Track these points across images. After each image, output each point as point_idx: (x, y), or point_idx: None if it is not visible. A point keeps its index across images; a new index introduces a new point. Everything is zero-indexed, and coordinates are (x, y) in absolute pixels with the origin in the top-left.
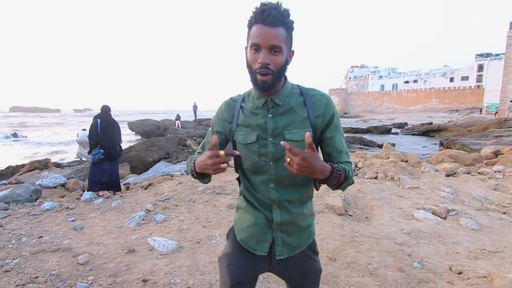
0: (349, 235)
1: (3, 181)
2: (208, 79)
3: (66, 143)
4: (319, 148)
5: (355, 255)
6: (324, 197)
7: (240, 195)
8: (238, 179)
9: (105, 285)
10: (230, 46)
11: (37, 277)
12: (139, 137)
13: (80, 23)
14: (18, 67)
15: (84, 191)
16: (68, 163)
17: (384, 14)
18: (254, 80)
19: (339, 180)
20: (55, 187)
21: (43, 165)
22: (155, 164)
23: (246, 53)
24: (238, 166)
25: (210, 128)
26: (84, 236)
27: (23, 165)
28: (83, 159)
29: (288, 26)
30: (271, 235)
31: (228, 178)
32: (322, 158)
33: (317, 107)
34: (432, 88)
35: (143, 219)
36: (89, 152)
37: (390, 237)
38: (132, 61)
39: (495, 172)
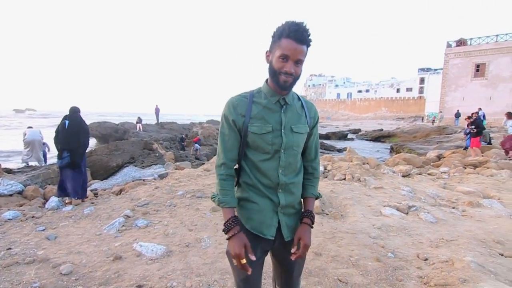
0: (329, 232)
1: None
2: (170, 82)
3: (11, 153)
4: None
5: (337, 249)
6: None
7: (237, 186)
8: (236, 170)
9: None
10: (193, 50)
11: None
12: (95, 140)
13: (23, 14)
14: None
15: (45, 198)
16: (19, 169)
17: (340, 25)
18: (277, 80)
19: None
20: (11, 195)
21: None
22: (118, 169)
23: (271, 57)
24: (244, 159)
25: (223, 125)
26: (60, 245)
27: None
28: (30, 163)
29: (309, 45)
30: (277, 220)
31: (206, 182)
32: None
33: (311, 111)
34: (382, 97)
35: (123, 226)
36: (59, 158)
37: (365, 232)
38: (86, 58)
39: (441, 173)
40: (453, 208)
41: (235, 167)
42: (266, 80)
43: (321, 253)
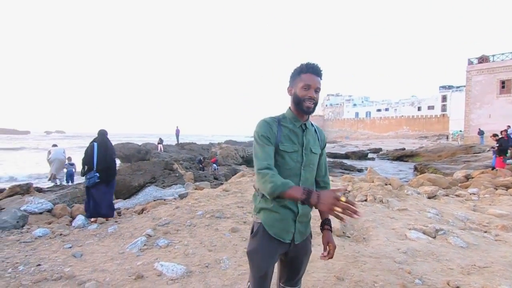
0: (351, 256)
1: None
2: (189, 104)
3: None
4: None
5: (360, 274)
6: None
7: (261, 197)
8: None
9: None
10: (210, 73)
11: None
12: (119, 161)
13: (53, 43)
14: None
15: (72, 217)
16: (48, 188)
17: (357, 44)
18: (301, 107)
19: None
20: (41, 213)
21: (24, 189)
22: (140, 188)
23: (294, 90)
24: None
25: (261, 138)
26: (85, 263)
27: (1, 190)
28: (57, 182)
29: (322, 78)
30: (294, 227)
31: (225, 202)
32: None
33: (321, 135)
34: (402, 116)
35: (145, 245)
36: (83, 174)
37: (389, 256)
38: (111, 83)
39: (470, 194)
40: (485, 232)
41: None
42: (289, 108)
43: (343, 278)
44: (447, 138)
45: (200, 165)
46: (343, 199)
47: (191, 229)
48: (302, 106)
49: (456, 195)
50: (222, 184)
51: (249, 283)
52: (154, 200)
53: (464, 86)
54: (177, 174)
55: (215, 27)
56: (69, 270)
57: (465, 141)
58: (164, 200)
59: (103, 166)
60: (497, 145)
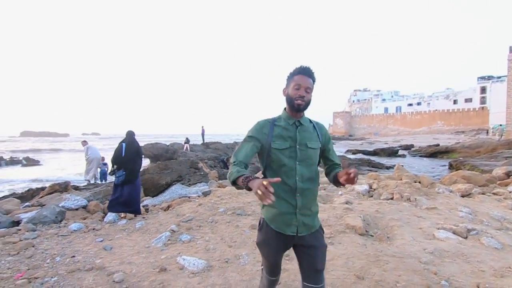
0: (373, 254)
1: (26, 204)
2: (214, 105)
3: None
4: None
5: (382, 273)
6: (344, 217)
7: None
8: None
9: None
10: (236, 74)
11: None
12: (148, 161)
13: (90, 49)
14: (29, 93)
15: (104, 213)
16: (84, 186)
17: (385, 38)
18: (292, 105)
19: None
20: (77, 209)
21: (63, 187)
22: (168, 186)
23: (287, 90)
24: (268, 169)
25: (246, 137)
26: (114, 255)
27: (42, 188)
28: (91, 181)
29: (314, 80)
30: (295, 219)
31: (246, 199)
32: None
33: (322, 130)
34: (436, 110)
35: (169, 240)
36: (112, 173)
37: (414, 256)
38: (141, 86)
39: (510, 192)
40: None
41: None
42: (285, 109)
43: (363, 277)
44: (487, 132)
45: (226, 163)
46: (265, 182)
47: (212, 226)
48: (294, 104)
49: (494, 194)
50: None
51: (262, 267)
52: (179, 198)
53: (506, 76)
54: (202, 173)
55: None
56: (99, 261)
57: (507, 136)
58: (189, 197)
59: (130, 165)
60: None
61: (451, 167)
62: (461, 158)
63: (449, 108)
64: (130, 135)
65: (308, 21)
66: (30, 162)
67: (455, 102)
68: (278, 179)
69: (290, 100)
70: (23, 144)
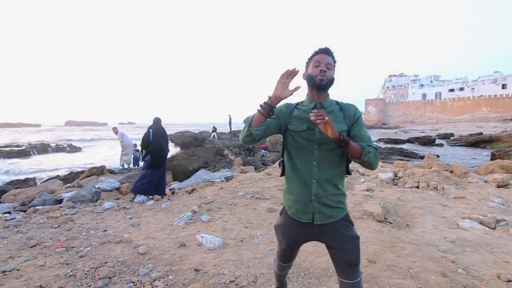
0: (389, 241)
1: (67, 185)
2: (241, 93)
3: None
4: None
5: (395, 259)
6: (363, 204)
7: (281, 176)
8: (283, 162)
9: (163, 272)
10: (263, 61)
11: (106, 262)
12: (178, 148)
13: (127, 43)
14: (72, 85)
15: (135, 194)
16: (119, 170)
17: (423, 19)
18: (313, 83)
19: (352, 149)
20: (111, 190)
21: (99, 171)
22: (195, 172)
23: (307, 72)
24: (285, 151)
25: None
26: (141, 231)
27: (82, 171)
28: (125, 166)
29: (334, 59)
30: (312, 207)
31: (266, 185)
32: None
33: (350, 111)
34: (481, 96)
35: (190, 219)
36: (142, 159)
37: (433, 244)
38: (173, 77)
39: None
40: None
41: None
42: (306, 94)
43: (375, 261)
44: None
45: (252, 151)
46: (289, 69)
47: (231, 208)
48: (315, 81)
49: None
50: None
51: (276, 251)
52: (203, 182)
53: None
54: (227, 160)
55: (274, 10)
56: (127, 236)
57: None
58: (212, 182)
59: (158, 150)
60: None
61: (493, 157)
62: (506, 148)
63: (496, 94)
64: (157, 121)
65: (339, 3)
66: (73, 149)
67: (503, 86)
68: (296, 69)
69: (310, 79)
70: (68, 133)
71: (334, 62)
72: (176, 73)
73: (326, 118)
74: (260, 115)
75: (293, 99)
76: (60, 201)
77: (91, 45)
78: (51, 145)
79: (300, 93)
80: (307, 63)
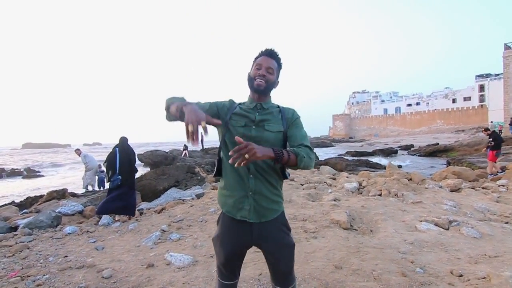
0: (354, 246)
1: (24, 210)
2: None
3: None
4: (287, 143)
5: (360, 263)
6: (330, 213)
7: (217, 175)
8: (218, 161)
9: None
10: (236, 75)
11: None
12: (148, 168)
13: (89, 59)
14: (29, 105)
15: (99, 217)
16: (82, 193)
17: (383, 40)
18: (252, 85)
19: (287, 158)
20: (73, 214)
21: (60, 195)
22: (165, 191)
23: (250, 73)
24: (222, 147)
25: (209, 102)
26: (105, 254)
27: (41, 196)
28: (89, 188)
29: (278, 62)
30: (248, 203)
31: None
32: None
33: (288, 113)
34: (436, 109)
35: (159, 239)
36: (109, 179)
37: (394, 247)
38: (140, 95)
39: (499, 186)
40: (506, 223)
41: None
42: (249, 95)
43: (341, 267)
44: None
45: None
46: (202, 122)
47: (202, 225)
48: (253, 84)
49: (483, 188)
50: None
51: (215, 270)
52: (174, 201)
53: (502, 73)
54: (199, 177)
55: (239, 26)
56: (90, 260)
57: (505, 132)
58: (183, 200)
59: (125, 170)
60: (490, 139)
61: (449, 165)
62: (459, 156)
63: (448, 107)
64: (123, 141)
65: (304, 23)
66: (31, 174)
67: (454, 101)
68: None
69: (250, 81)
70: (25, 157)
71: (279, 66)
72: (145, 90)
73: (246, 151)
74: (175, 112)
75: (237, 99)
76: (15, 228)
77: (51, 60)
78: (6, 169)
79: (244, 92)
80: (252, 63)
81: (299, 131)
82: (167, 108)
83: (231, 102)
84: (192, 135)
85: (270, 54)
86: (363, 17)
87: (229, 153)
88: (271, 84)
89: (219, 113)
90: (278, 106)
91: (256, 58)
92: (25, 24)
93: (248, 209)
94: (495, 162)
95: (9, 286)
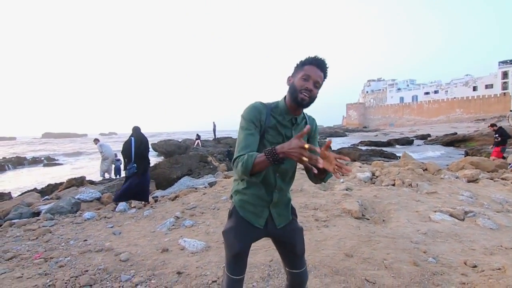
0: (365, 235)
1: (45, 197)
2: (225, 100)
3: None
4: None
5: (371, 252)
6: (342, 202)
7: (240, 180)
8: None
9: (145, 277)
10: (247, 68)
11: (87, 271)
12: (162, 157)
13: (107, 52)
14: (49, 96)
15: (116, 204)
16: (99, 181)
17: (399, 26)
18: (295, 98)
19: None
20: (91, 201)
21: (79, 182)
22: (178, 180)
23: (293, 79)
24: None
25: (245, 125)
26: (122, 239)
27: (61, 183)
28: (106, 176)
29: (326, 75)
30: (267, 212)
31: None
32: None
33: (311, 125)
34: (455, 98)
35: (173, 225)
36: (125, 167)
37: (406, 237)
38: (155, 85)
39: None
40: None
41: None
42: (284, 98)
43: (352, 255)
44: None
45: (228, 154)
46: (306, 146)
47: (214, 212)
48: (297, 97)
49: (502, 179)
50: None
51: (224, 266)
52: (187, 189)
53: None
54: (211, 166)
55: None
56: (108, 244)
57: None
58: (196, 188)
59: (140, 158)
60: (497, 135)
61: (467, 155)
62: (478, 147)
63: (468, 96)
64: (137, 129)
65: (320, 11)
66: (52, 162)
67: (474, 88)
68: (308, 127)
69: (293, 91)
70: (45, 146)
71: (325, 77)
72: (159, 81)
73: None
74: (266, 162)
75: (267, 99)
76: (37, 213)
77: (69, 55)
78: (27, 158)
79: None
80: (297, 66)
81: (317, 145)
82: (251, 170)
83: (261, 108)
84: (311, 163)
85: (321, 65)
86: (379, 1)
87: (306, 158)
88: (314, 99)
89: (258, 128)
90: (304, 117)
91: (303, 65)
92: (44, 15)
93: (266, 218)
94: (503, 158)
95: (34, 267)
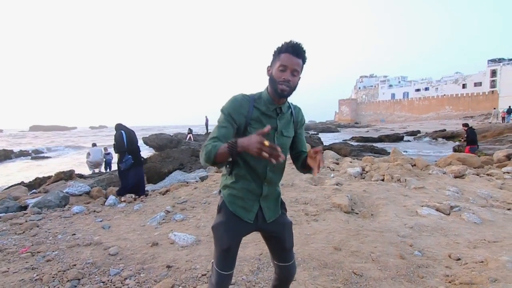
0: (354, 229)
1: (33, 191)
2: (218, 94)
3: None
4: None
5: (359, 245)
6: (331, 197)
7: (228, 175)
8: (231, 162)
9: (134, 271)
10: (238, 62)
11: (75, 265)
12: (153, 151)
13: (96, 44)
14: (37, 88)
15: (106, 198)
16: (88, 175)
17: (392, 23)
18: (275, 89)
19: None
20: (80, 195)
21: (68, 176)
22: (169, 174)
23: (271, 70)
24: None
25: (222, 118)
26: (111, 233)
27: (49, 177)
28: (96, 170)
29: (304, 60)
30: (257, 206)
31: None
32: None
33: (298, 116)
34: (445, 95)
35: (163, 219)
36: (120, 161)
37: (394, 231)
38: (145, 78)
39: (504, 173)
40: (508, 209)
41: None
42: (267, 88)
43: (340, 248)
44: (497, 117)
45: None
46: (266, 143)
47: (205, 206)
48: (277, 89)
49: (487, 174)
50: None
51: (212, 261)
52: (178, 183)
53: None
54: None
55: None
56: (97, 238)
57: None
58: (187, 182)
59: (133, 149)
60: (466, 135)
61: (455, 151)
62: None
63: (458, 93)
64: (121, 125)
65: (314, 6)
66: (39, 155)
67: (464, 86)
68: (268, 127)
69: (273, 83)
70: (32, 139)
71: (304, 62)
72: (151, 74)
73: (277, 157)
74: (228, 154)
75: (249, 90)
76: (24, 207)
77: (58, 47)
78: (14, 151)
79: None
80: (274, 55)
81: (303, 136)
82: (213, 161)
83: (243, 101)
84: (272, 156)
85: (296, 52)
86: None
87: (266, 154)
88: (294, 88)
89: (237, 125)
90: (290, 107)
91: (279, 53)
92: (31, 8)
93: (256, 212)
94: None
95: (20, 261)
